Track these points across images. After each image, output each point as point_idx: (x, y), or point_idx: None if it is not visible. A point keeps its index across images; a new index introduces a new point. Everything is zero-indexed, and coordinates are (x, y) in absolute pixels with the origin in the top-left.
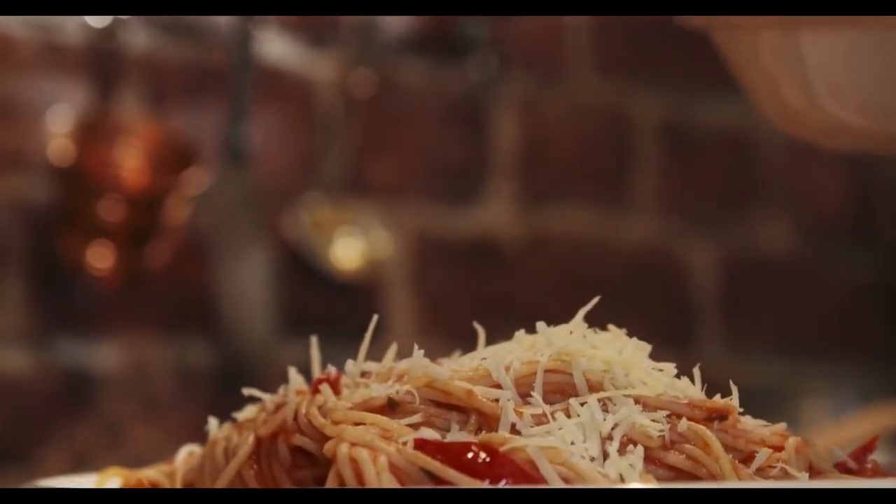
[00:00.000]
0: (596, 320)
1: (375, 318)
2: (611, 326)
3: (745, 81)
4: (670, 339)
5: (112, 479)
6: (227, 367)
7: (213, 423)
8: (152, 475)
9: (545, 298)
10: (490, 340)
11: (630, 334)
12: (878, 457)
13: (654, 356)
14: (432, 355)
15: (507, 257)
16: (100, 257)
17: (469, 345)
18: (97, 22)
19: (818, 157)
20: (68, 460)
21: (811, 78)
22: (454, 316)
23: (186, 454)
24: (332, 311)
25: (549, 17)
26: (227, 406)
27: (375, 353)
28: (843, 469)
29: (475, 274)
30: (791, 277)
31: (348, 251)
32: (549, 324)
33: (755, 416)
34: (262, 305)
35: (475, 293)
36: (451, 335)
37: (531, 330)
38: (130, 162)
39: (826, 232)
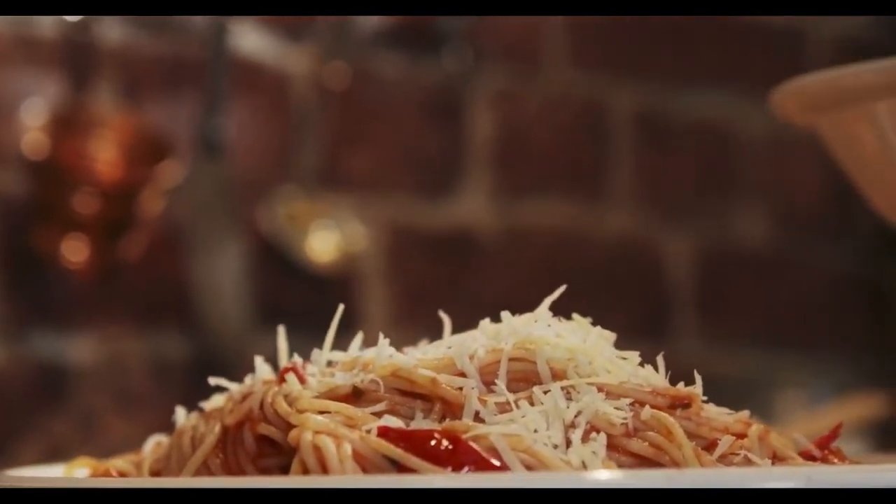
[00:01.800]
0: (572, 311)
1: (341, 308)
2: (575, 315)
3: (848, 170)
4: (647, 330)
5: (80, 469)
6: (203, 359)
7: (180, 412)
8: (120, 465)
9: (521, 291)
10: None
11: (607, 325)
12: (852, 446)
13: (631, 347)
14: (420, 342)
15: (483, 250)
16: (74, 250)
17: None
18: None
19: (795, 148)
20: (43, 452)
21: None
22: (429, 308)
23: (154, 444)
24: (308, 304)
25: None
26: (201, 398)
27: (349, 345)
28: (807, 457)
29: (451, 266)
30: (767, 269)
31: (323, 244)
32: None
33: (731, 406)
34: (237, 298)
35: (451, 285)
36: (426, 327)
37: None
38: (105, 155)
39: (802, 224)
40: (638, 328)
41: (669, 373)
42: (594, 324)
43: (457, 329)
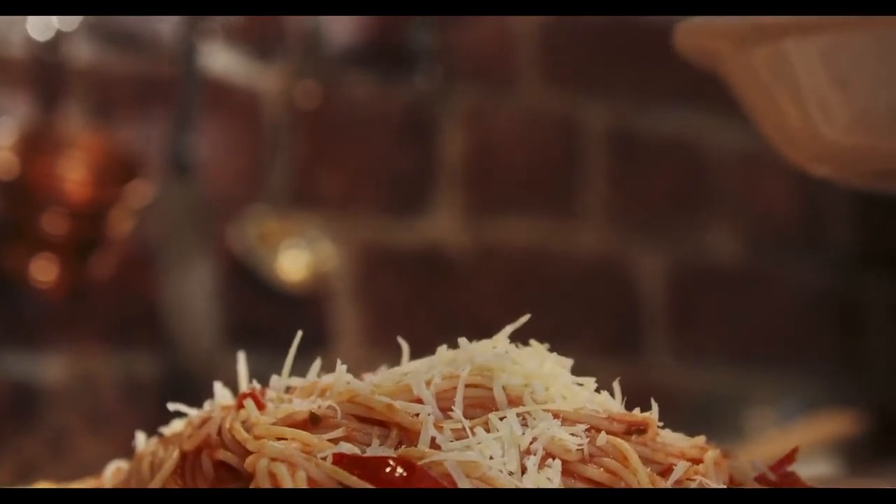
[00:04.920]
0: (544, 330)
1: (299, 334)
2: (532, 341)
3: (751, 112)
4: (619, 347)
5: None
6: (173, 378)
7: (140, 437)
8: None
9: (494, 309)
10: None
11: (579, 342)
12: (822, 465)
13: (603, 364)
14: (379, 367)
15: (456, 268)
16: (44, 270)
17: (416, 357)
18: (40, 34)
19: (766, 165)
20: (14, 472)
21: (803, 95)
22: (401, 327)
23: (114, 469)
24: (278, 323)
25: (497, 26)
26: (172, 418)
27: (323, 366)
28: (763, 481)
29: (423, 285)
30: (739, 286)
31: (294, 263)
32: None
33: (702, 423)
34: (207, 317)
35: (423, 304)
36: (398, 347)
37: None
38: (74, 174)
39: (774, 240)
40: (610, 345)
41: (625, 393)
42: (564, 340)
43: (430, 347)
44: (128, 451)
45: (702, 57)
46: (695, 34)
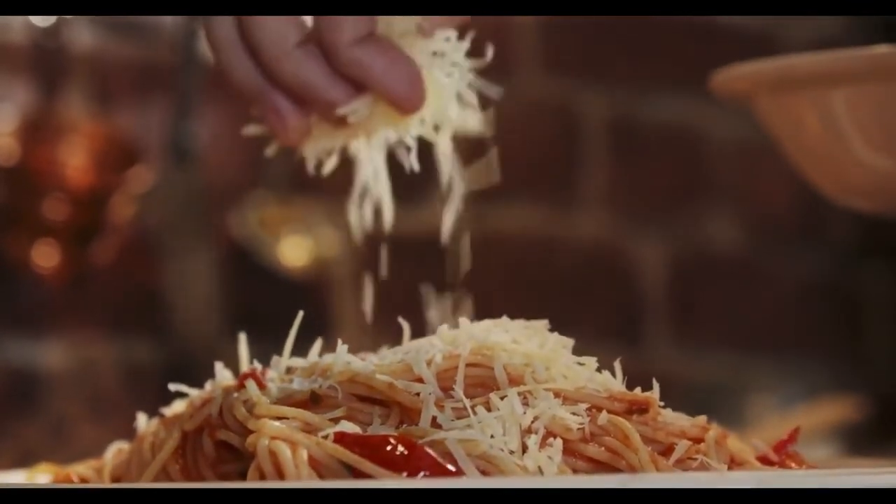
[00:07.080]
0: (544, 317)
1: (300, 315)
2: (533, 321)
3: (789, 150)
4: (619, 335)
5: (42, 475)
6: (174, 364)
7: (141, 418)
8: (81, 471)
9: (494, 296)
10: None
11: (579, 330)
12: (823, 449)
13: (603, 352)
14: (380, 349)
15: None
16: (45, 256)
17: None
18: (41, 20)
19: (766, 154)
20: (14, 458)
21: (846, 129)
22: (402, 314)
23: (116, 450)
24: (279, 310)
25: (500, 16)
26: (172, 403)
27: (323, 350)
28: (765, 461)
29: (424, 271)
30: (739, 274)
31: (295, 249)
32: None
33: (703, 411)
34: (208, 303)
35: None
36: (399, 334)
37: None
38: (75, 160)
39: (774, 228)
40: (610, 333)
41: (626, 378)
42: (565, 329)
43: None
44: (128, 437)
45: (737, 101)
46: (730, 81)
